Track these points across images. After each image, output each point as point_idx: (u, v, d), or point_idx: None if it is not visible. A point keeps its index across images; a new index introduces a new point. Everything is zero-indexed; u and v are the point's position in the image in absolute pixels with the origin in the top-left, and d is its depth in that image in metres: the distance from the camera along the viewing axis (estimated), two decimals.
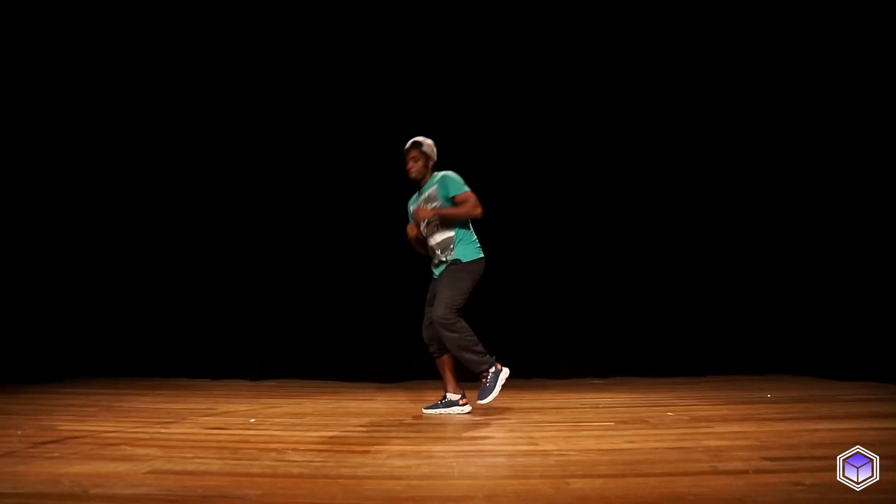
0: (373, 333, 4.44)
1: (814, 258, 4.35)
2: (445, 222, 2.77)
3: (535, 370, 4.42)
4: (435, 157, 2.93)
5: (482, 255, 2.78)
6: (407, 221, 2.97)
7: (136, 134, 4.82)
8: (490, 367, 2.62)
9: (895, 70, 3.92)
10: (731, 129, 4.61)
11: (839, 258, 4.16)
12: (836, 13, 4.18)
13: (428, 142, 2.91)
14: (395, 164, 3.26)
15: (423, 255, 2.98)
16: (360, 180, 4.55)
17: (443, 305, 2.62)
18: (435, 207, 2.76)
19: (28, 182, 4.41)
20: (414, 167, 2.87)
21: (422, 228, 2.86)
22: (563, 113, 4.65)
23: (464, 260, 2.72)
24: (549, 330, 4.47)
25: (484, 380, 2.62)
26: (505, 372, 2.64)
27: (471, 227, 2.84)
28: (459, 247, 2.74)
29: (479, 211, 2.71)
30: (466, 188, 2.74)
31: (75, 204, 4.71)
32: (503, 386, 2.65)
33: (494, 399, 2.60)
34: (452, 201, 2.74)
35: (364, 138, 4.61)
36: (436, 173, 2.86)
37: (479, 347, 2.63)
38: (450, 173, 2.80)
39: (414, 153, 2.88)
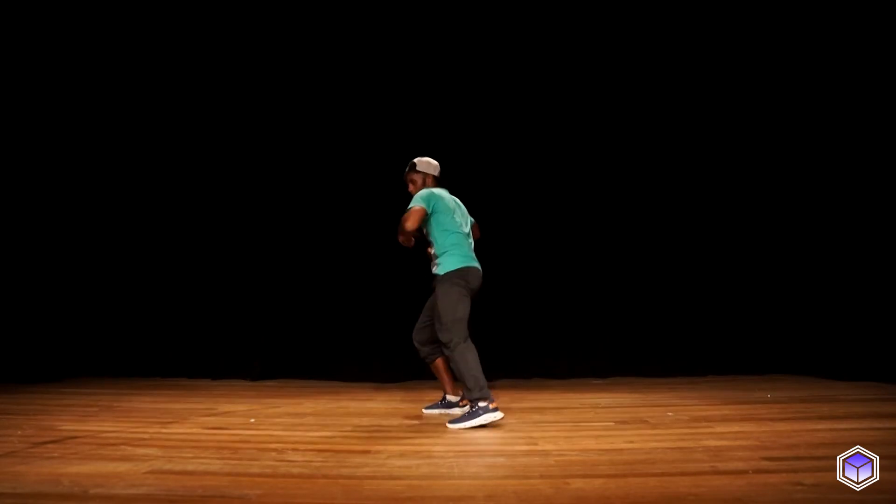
0: (372, 333, 4.43)
1: (814, 258, 4.34)
2: (427, 237, 2.76)
3: (535, 370, 4.41)
4: (433, 171, 2.91)
5: (463, 264, 2.64)
6: None
7: (137, 134, 4.80)
8: (482, 400, 2.41)
9: (894, 70, 3.92)
10: (730, 129, 4.59)
11: (839, 258, 4.16)
12: (835, 13, 4.17)
13: (422, 160, 2.92)
14: (394, 165, 3.27)
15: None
16: (359, 181, 4.54)
17: (440, 330, 2.58)
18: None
19: (28, 182, 4.40)
20: (412, 189, 2.92)
21: None
22: (561, 114, 4.64)
23: (441, 273, 2.65)
24: (549, 330, 4.46)
25: (470, 407, 2.44)
26: (497, 414, 2.40)
27: (453, 238, 2.68)
28: (440, 260, 2.67)
29: (402, 225, 2.57)
30: (411, 205, 2.62)
31: (75, 204, 4.69)
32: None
33: (465, 429, 2.36)
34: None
35: (364, 139, 4.60)
36: None
37: (480, 379, 2.44)
38: (419, 192, 2.71)
39: (409, 175, 2.94)
